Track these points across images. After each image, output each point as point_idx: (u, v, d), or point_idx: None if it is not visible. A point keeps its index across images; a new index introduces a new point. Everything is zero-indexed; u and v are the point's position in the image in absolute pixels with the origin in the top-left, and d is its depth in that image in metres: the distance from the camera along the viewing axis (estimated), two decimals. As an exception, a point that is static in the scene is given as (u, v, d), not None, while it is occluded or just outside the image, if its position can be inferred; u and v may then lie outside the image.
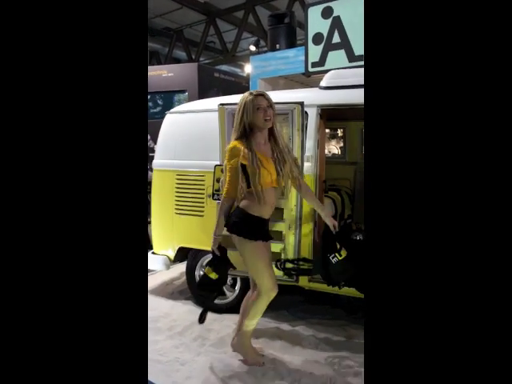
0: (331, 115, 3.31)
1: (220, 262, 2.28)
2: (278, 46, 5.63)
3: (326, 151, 5.84)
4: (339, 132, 5.09)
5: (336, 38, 4.50)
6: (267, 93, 2.18)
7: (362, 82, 2.75)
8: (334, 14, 4.44)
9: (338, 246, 2.40)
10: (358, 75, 2.87)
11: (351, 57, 4.48)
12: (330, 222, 2.38)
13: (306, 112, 2.61)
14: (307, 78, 5.38)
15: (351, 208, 4.21)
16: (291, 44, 5.70)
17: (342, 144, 4.72)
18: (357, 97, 2.73)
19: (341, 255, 2.39)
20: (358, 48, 4.37)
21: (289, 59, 5.44)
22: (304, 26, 4.84)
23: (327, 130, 5.84)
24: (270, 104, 2.11)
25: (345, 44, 4.46)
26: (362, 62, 4.39)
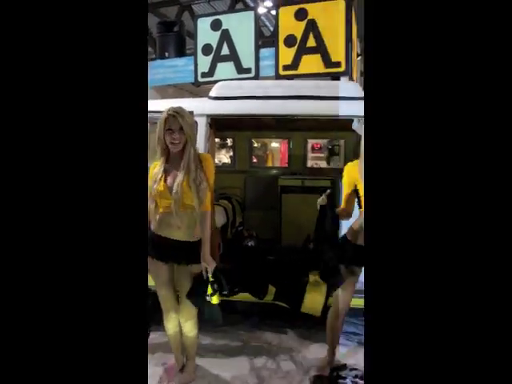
0: (221, 125, 3.38)
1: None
2: (166, 54, 5.56)
3: (217, 160, 5.93)
4: (229, 142, 5.21)
5: (225, 50, 4.60)
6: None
7: (251, 94, 2.91)
8: (223, 27, 4.54)
9: (211, 291, 2.11)
10: (246, 87, 2.98)
11: (240, 69, 4.61)
12: (209, 263, 2.10)
13: (195, 121, 2.63)
14: (196, 88, 5.41)
15: (242, 216, 4.32)
16: (180, 53, 5.68)
17: (231, 153, 4.83)
18: (245, 107, 2.84)
19: (212, 301, 2.14)
20: (246, 61, 4.53)
21: (178, 68, 5.40)
22: (193, 35, 4.87)
23: (217, 140, 5.94)
24: (182, 126, 1.95)
25: (233, 56, 4.58)
26: (251, 75, 4.55)
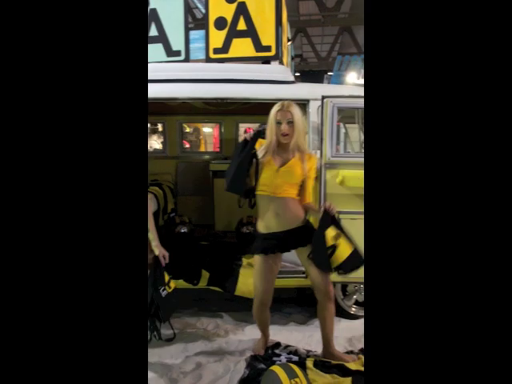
0: (150, 109, 3.26)
1: None
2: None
3: (147, 146, 5.74)
4: (159, 127, 5.07)
5: (153, 31, 4.43)
6: None
7: (181, 77, 2.84)
8: (151, 6, 4.35)
9: (167, 278, 2.27)
10: (176, 70, 2.91)
11: (169, 51, 4.48)
12: (160, 253, 2.25)
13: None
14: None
15: (174, 202, 4.24)
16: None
17: (163, 139, 4.70)
18: (175, 91, 2.76)
19: (170, 287, 2.27)
20: (176, 43, 4.40)
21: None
22: (118, 14, 4.64)
23: (148, 125, 5.74)
24: None
25: (162, 38, 4.43)
26: (180, 57, 4.44)
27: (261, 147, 2.17)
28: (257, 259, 2.22)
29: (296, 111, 2.08)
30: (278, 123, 2.08)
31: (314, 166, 2.17)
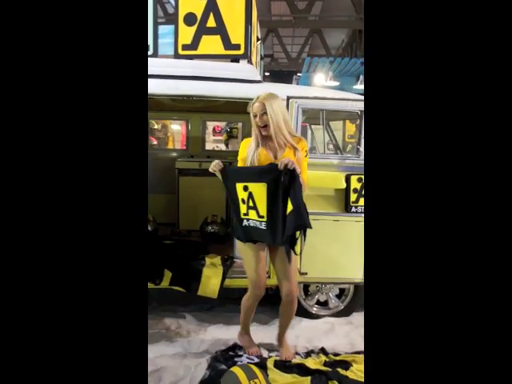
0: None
1: None
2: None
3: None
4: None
5: (120, 24, 4.33)
6: None
7: (148, 72, 2.77)
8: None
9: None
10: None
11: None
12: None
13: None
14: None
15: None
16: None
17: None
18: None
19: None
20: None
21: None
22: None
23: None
24: None
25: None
26: (149, 52, 4.35)
27: (249, 145, 2.17)
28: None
29: (271, 102, 2.06)
30: (255, 116, 2.09)
31: (305, 147, 2.17)
